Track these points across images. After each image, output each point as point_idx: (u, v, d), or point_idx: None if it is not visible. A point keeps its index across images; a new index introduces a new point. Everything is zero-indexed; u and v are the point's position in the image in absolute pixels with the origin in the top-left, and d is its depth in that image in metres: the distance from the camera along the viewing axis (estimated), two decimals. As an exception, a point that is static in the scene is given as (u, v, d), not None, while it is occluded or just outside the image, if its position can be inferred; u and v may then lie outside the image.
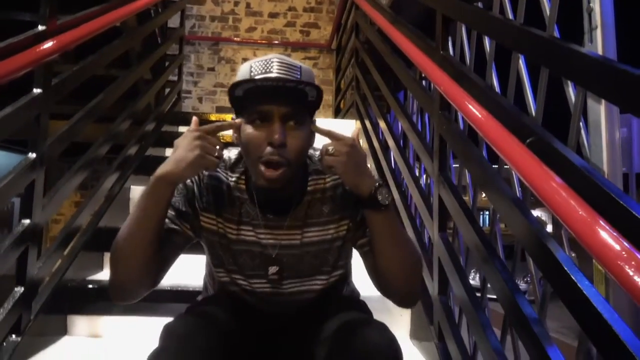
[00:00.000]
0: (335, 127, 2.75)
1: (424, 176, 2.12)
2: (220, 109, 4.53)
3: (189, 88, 4.50)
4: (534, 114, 1.12)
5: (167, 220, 0.91)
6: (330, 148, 0.85)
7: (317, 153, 0.95)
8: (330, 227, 0.96)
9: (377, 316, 1.51)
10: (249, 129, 0.87)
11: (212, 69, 4.63)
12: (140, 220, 0.84)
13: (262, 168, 0.85)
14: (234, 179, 0.96)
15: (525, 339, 0.98)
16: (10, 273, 1.29)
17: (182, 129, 2.94)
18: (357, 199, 0.90)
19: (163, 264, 0.91)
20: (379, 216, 0.87)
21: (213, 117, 3.18)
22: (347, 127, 3.14)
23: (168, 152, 2.68)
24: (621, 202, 0.69)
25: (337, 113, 3.98)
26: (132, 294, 0.90)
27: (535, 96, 1.14)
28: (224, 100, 4.62)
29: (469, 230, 1.25)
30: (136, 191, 2.13)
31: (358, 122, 2.98)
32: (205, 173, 0.96)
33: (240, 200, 0.95)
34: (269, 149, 0.85)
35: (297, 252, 0.96)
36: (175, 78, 3.24)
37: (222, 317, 0.91)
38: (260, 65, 0.88)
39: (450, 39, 1.72)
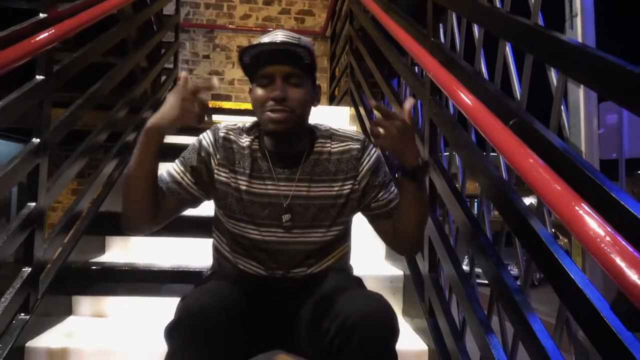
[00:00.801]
0: (329, 113, 2.81)
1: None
2: (215, 96, 4.54)
3: (184, 76, 4.50)
4: (519, 97, 1.18)
5: (175, 174, 1.09)
6: (382, 123, 0.97)
7: (324, 126, 1.16)
8: (334, 185, 1.11)
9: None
10: (257, 90, 1.05)
11: (207, 57, 4.64)
12: (137, 164, 1.01)
13: (269, 114, 1.02)
14: (248, 140, 1.11)
15: (508, 310, 1.05)
16: (8, 260, 1.33)
17: (178, 116, 2.97)
18: (365, 167, 1.11)
19: (166, 211, 1.08)
20: (413, 185, 1.02)
21: (209, 104, 3.21)
22: (342, 114, 3.18)
23: (166, 138, 2.71)
24: (596, 180, 0.75)
25: (332, 100, 4.01)
26: (136, 226, 1.07)
27: (520, 80, 1.19)
28: (219, 87, 4.64)
29: (457, 210, 1.31)
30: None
31: (352, 108, 3.03)
32: (221, 134, 1.12)
33: (253, 157, 1.10)
34: (271, 102, 1.02)
35: (304, 203, 1.09)
36: (171, 65, 3.26)
37: (233, 289, 0.98)
38: (265, 36, 1.08)
39: (441, 26, 1.77)
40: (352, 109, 3.03)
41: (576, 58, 0.82)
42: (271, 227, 1.09)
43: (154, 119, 0.98)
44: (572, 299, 0.80)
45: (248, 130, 1.14)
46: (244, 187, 1.09)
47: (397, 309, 1.67)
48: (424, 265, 1.50)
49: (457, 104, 1.11)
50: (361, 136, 1.17)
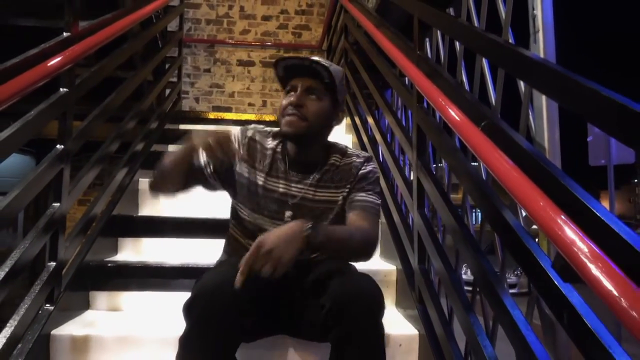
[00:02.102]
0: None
1: (408, 166, 2.31)
2: (216, 108, 4.71)
3: (186, 89, 4.67)
4: (494, 102, 1.33)
5: (201, 161, 1.25)
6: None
7: (341, 145, 1.36)
8: (337, 192, 1.28)
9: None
10: (283, 99, 1.27)
11: (208, 70, 4.81)
12: (172, 163, 1.23)
13: (284, 118, 1.23)
14: (273, 144, 1.32)
15: (488, 296, 1.16)
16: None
17: (182, 126, 3.12)
18: (359, 175, 1.29)
19: (188, 183, 1.29)
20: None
21: (211, 116, 3.37)
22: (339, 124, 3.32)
23: (170, 148, 2.85)
24: (553, 173, 0.88)
25: (329, 111, 4.16)
26: (162, 194, 1.36)
27: (495, 88, 1.34)
28: (220, 100, 4.81)
29: (443, 208, 1.44)
30: (144, 183, 2.31)
31: (348, 118, 3.17)
32: (248, 134, 1.33)
33: (274, 158, 1.30)
34: (289, 108, 1.22)
35: (308, 205, 1.26)
36: (175, 79, 3.41)
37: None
38: (292, 55, 1.33)
39: (428, 40, 1.93)
40: (348, 118, 3.18)
41: (536, 71, 0.95)
42: (276, 220, 1.25)
43: (197, 142, 1.13)
44: (538, 277, 0.92)
45: (274, 135, 1.35)
46: (260, 182, 1.28)
47: (391, 300, 1.80)
48: (413, 259, 1.63)
49: (438, 110, 1.26)
50: (367, 154, 1.37)
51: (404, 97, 1.87)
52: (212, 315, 1.01)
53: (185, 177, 1.25)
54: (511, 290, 1.26)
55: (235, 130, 1.32)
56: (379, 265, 1.94)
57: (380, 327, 1.07)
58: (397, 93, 2.21)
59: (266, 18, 4.91)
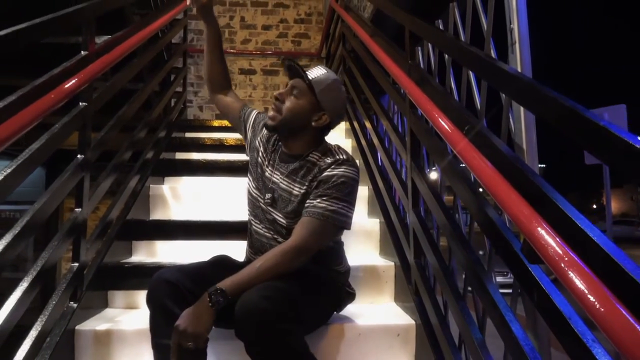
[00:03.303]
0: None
1: (405, 168, 2.43)
2: (219, 116, 4.83)
3: (189, 98, 4.81)
4: (479, 107, 1.45)
5: (246, 107, 1.73)
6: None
7: (331, 145, 1.50)
8: (298, 186, 1.43)
9: (364, 284, 1.85)
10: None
11: (210, 79, 4.94)
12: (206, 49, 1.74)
13: (268, 112, 1.48)
14: (274, 138, 1.58)
15: (478, 289, 1.26)
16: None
17: (188, 134, 3.25)
18: (321, 177, 1.39)
19: (230, 101, 1.74)
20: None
21: (215, 124, 3.49)
22: (338, 129, 3.44)
23: (178, 155, 2.98)
24: (525, 173, 1.00)
25: (329, 116, 4.29)
26: (211, 86, 1.77)
27: (480, 94, 1.46)
28: (223, 107, 4.92)
29: (434, 206, 1.56)
30: (155, 189, 2.43)
31: (347, 122, 3.30)
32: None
33: (275, 146, 1.56)
34: (274, 99, 1.46)
35: (278, 192, 1.46)
36: (180, 89, 3.54)
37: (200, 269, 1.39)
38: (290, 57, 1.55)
39: (420, 48, 2.05)
40: (347, 123, 3.30)
41: (510, 83, 1.07)
42: (259, 200, 1.52)
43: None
44: (513, 262, 1.04)
45: None
46: (260, 161, 1.56)
47: (390, 294, 1.91)
48: (410, 254, 1.75)
49: (427, 115, 1.38)
50: (343, 157, 1.42)
51: (398, 103, 2.00)
52: (163, 302, 1.25)
53: (220, 58, 1.72)
54: (507, 290, 1.35)
55: (265, 114, 1.65)
56: (378, 261, 2.05)
57: (268, 332, 1.11)
58: (392, 99, 2.34)
59: (266, 27, 5.05)
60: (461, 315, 1.35)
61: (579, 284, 0.68)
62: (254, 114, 1.69)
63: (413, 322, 1.65)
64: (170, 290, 1.27)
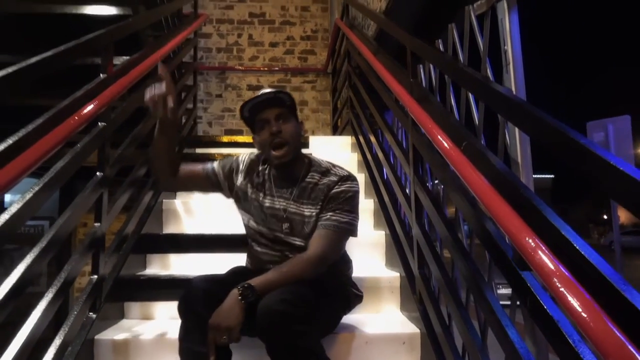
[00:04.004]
0: (333, 142, 3.24)
1: (409, 182, 2.49)
2: (228, 132, 4.95)
3: (199, 114, 4.93)
4: (477, 122, 1.52)
5: (215, 165, 1.65)
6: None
7: (325, 162, 1.57)
8: (311, 208, 1.49)
9: (371, 294, 1.91)
10: (259, 134, 1.49)
11: (219, 96, 5.07)
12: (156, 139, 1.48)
13: (273, 152, 1.43)
14: (263, 167, 1.61)
15: (479, 299, 1.31)
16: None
17: (199, 150, 3.35)
18: (330, 194, 1.48)
19: (185, 181, 1.63)
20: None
21: (225, 139, 3.59)
22: (344, 143, 3.54)
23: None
24: (516, 185, 1.07)
25: (335, 130, 4.39)
26: (160, 178, 1.60)
27: (478, 110, 1.53)
28: (231, 123, 5.05)
29: (436, 218, 1.62)
30: (168, 204, 2.52)
31: (353, 137, 3.38)
32: (252, 157, 1.64)
33: (264, 179, 1.58)
34: (271, 138, 1.45)
35: (295, 217, 1.50)
36: (191, 106, 3.66)
37: (224, 278, 1.43)
38: (256, 95, 1.49)
39: (422, 66, 2.14)
40: (353, 137, 3.38)
41: (504, 103, 1.14)
42: (275, 231, 1.52)
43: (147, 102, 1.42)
44: (511, 275, 1.09)
45: (264, 161, 1.62)
46: (253, 197, 1.57)
47: (395, 304, 1.97)
48: (414, 264, 1.81)
49: (426, 132, 1.45)
50: (345, 173, 1.54)
51: (400, 118, 2.07)
52: (198, 310, 1.28)
53: (173, 158, 1.55)
54: (508, 302, 1.40)
55: (241, 156, 1.67)
56: (384, 272, 2.11)
57: (287, 333, 1.19)
58: (395, 114, 2.41)
59: (273, 44, 5.18)
60: (464, 323, 1.41)
61: (564, 290, 0.75)
62: (218, 167, 1.65)
63: (418, 330, 1.71)
64: (202, 298, 1.32)
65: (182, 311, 1.35)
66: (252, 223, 1.59)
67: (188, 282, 1.40)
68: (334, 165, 1.57)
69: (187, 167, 1.63)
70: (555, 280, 0.73)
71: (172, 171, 1.56)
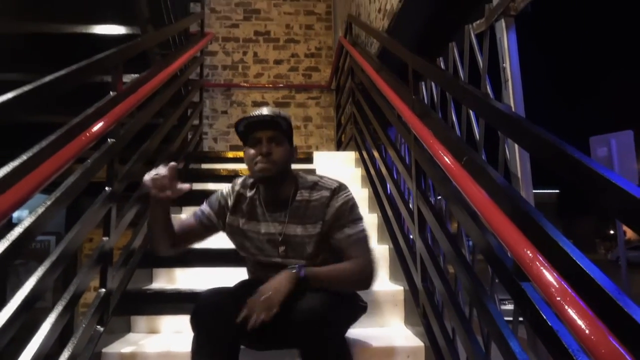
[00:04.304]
0: (337, 157, 3.28)
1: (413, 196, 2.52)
2: (233, 147, 5.01)
3: (205, 130, 4.99)
4: (477, 137, 1.55)
5: (198, 211, 1.61)
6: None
7: (309, 177, 1.53)
8: (311, 226, 1.47)
9: (375, 308, 1.92)
10: (249, 150, 1.47)
11: (225, 112, 5.14)
12: (152, 222, 1.51)
13: (256, 166, 1.44)
14: (252, 192, 1.56)
15: (481, 312, 1.33)
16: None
17: (204, 165, 3.39)
18: (331, 211, 1.45)
19: (185, 238, 1.61)
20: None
21: (230, 155, 3.64)
22: (348, 158, 3.58)
23: (195, 186, 3.12)
24: (515, 199, 1.10)
25: (339, 145, 4.43)
26: (159, 251, 1.57)
27: (478, 125, 1.57)
28: (236, 139, 5.09)
29: (438, 231, 1.65)
30: (173, 219, 2.54)
31: (356, 152, 3.42)
32: (236, 188, 1.59)
33: (253, 205, 1.54)
34: (259, 157, 1.43)
35: (292, 239, 1.48)
36: (197, 122, 3.71)
37: (238, 291, 1.39)
38: (255, 111, 1.48)
39: (424, 83, 2.18)
40: (357, 153, 3.42)
41: (502, 119, 1.18)
42: (271, 256, 1.51)
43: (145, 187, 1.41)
44: (507, 281, 1.12)
45: (251, 185, 1.58)
46: (246, 227, 1.54)
47: (400, 317, 1.98)
48: (417, 278, 1.82)
49: (427, 147, 1.49)
50: (335, 184, 1.51)
51: (403, 133, 2.11)
52: (209, 324, 1.28)
53: (169, 229, 1.53)
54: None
55: (225, 188, 1.62)
56: (388, 286, 2.13)
57: (325, 335, 1.23)
58: (397, 130, 2.45)
59: (278, 62, 5.26)
60: (467, 337, 1.42)
61: (561, 300, 0.77)
62: (208, 209, 1.62)
63: (422, 344, 1.72)
64: (212, 312, 1.33)
65: (193, 325, 1.35)
66: (248, 255, 1.58)
67: (198, 297, 1.40)
68: (320, 177, 1.55)
69: (181, 226, 1.60)
70: (553, 290, 0.76)
71: (170, 241, 1.56)
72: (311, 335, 1.22)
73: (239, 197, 1.58)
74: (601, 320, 0.70)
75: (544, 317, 0.89)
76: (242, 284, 1.58)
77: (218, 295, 1.39)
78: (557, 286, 0.75)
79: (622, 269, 4.93)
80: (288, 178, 1.51)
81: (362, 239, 1.46)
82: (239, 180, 1.62)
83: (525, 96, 1.39)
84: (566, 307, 0.72)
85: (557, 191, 35.48)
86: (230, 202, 1.58)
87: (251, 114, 1.47)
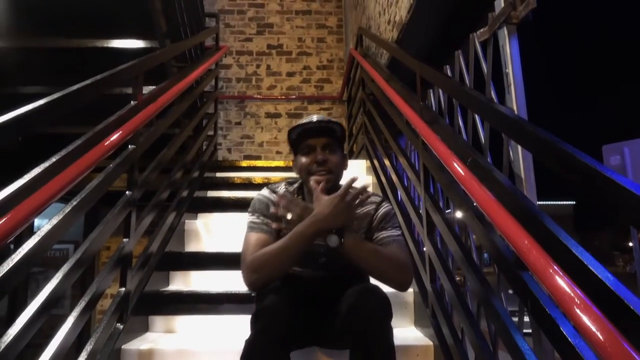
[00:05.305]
0: (349, 166, 3.29)
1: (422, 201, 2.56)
2: (247, 157, 5.10)
3: (219, 141, 5.09)
4: (483, 140, 1.60)
5: (263, 226, 1.43)
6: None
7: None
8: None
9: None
10: (301, 159, 1.44)
11: (238, 123, 5.25)
12: (294, 253, 1.31)
13: (312, 177, 1.37)
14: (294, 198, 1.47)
15: (488, 311, 1.36)
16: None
17: (219, 174, 3.48)
18: (375, 220, 1.46)
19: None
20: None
21: (244, 164, 3.72)
22: (359, 166, 3.64)
23: (210, 193, 3.20)
24: (515, 194, 1.14)
25: (351, 155, 4.49)
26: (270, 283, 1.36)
27: (484, 129, 1.62)
28: (250, 150, 5.20)
29: (448, 235, 1.69)
30: (189, 224, 2.63)
31: (368, 161, 3.48)
32: (279, 192, 1.51)
33: None
34: (314, 166, 1.40)
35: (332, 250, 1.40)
36: (212, 132, 3.81)
37: (290, 293, 1.34)
38: (305, 119, 1.45)
39: (432, 90, 2.24)
40: (368, 161, 3.48)
41: (507, 123, 1.23)
42: (310, 266, 1.48)
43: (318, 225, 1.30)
44: (508, 271, 1.16)
45: (297, 192, 1.53)
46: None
47: (409, 319, 2.02)
48: (426, 278, 1.87)
49: (435, 151, 1.54)
50: (378, 198, 1.54)
51: (412, 139, 2.17)
52: (271, 323, 1.22)
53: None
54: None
55: (263, 194, 1.51)
56: (398, 289, 2.16)
57: (387, 329, 1.27)
58: (407, 138, 2.51)
59: (290, 74, 5.37)
60: (475, 336, 1.45)
61: (560, 281, 0.81)
62: (264, 219, 1.47)
63: (431, 343, 1.75)
64: (274, 313, 1.26)
65: (253, 323, 1.26)
66: None
67: (260, 300, 1.31)
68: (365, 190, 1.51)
69: (267, 249, 1.36)
70: (551, 272, 0.80)
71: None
72: (372, 329, 1.22)
73: (274, 199, 1.49)
74: (589, 298, 0.74)
75: (543, 306, 0.93)
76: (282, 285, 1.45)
77: (277, 298, 1.30)
78: (552, 270, 0.80)
79: (638, 279, 4.88)
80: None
81: (403, 243, 1.46)
82: (279, 188, 1.54)
83: (527, 101, 1.44)
84: (562, 290, 0.76)
85: (573, 203, 34.98)
86: (270, 205, 1.48)
87: (304, 121, 1.44)
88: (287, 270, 1.37)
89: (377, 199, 1.54)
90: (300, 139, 1.45)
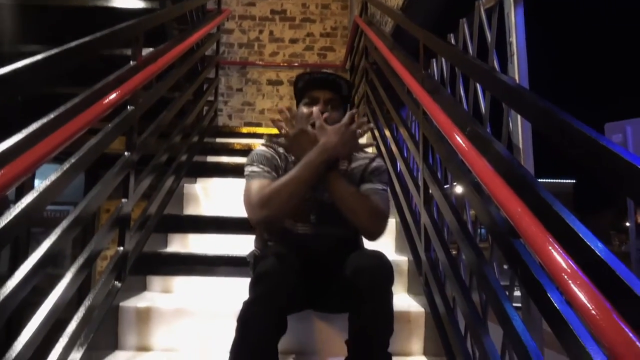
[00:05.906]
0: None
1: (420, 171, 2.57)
2: (247, 124, 5.08)
3: (220, 107, 5.06)
4: (483, 111, 1.59)
5: (266, 174, 1.42)
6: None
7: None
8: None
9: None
10: (302, 108, 1.45)
11: (240, 90, 5.20)
12: (304, 184, 1.30)
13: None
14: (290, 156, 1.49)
15: (481, 281, 1.38)
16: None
17: (219, 140, 3.47)
18: (367, 171, 1.48)
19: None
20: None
21: (244, 130, 3.71)
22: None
23: (209, 158, 3.21)
24: (512, 164, 1.14)
25: (352, 125, 4.47)
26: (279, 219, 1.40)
27: (485, 100, 1.60)
28: (251, 116, 5.18)
29: (441, 200, 1.70)
30: (188, 188, 2.65)
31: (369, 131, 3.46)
32: (275, 148, 1.51)
33: (288, 162, 1.50)
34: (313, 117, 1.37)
35: (327, 208, 1.44)
36: (212, 98, 3.78)
37: (288, 257, 1.35)
38: (315, 70, 1.46)
39: (435, 60, 2.21)
40: (369, 132, 3.46)
41: (507, 92, 1.21)
42: (299, 222, 1.51)
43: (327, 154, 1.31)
44: (499, 238, 1.17)
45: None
46: None
47: (403, 286, 2.05)
48: (421, 247, 1.89)
49: (435, 120, 1.53)
50: (373, 155, 1.56)
51: (413, 109, 2.15)
52: (272, 289, 1.22)
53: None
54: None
55: (260, 148, 1.51)
56: (393, 257, 2.19)
57: (388, 294, 1.30)
58: (408, 107, 2.49)
59: (293, 41, 5.29)
60: (466, 305, 1.48)
61: (551, 250, 0.82)
62: (269, 170, 1.46)
63: (423, 310, 1.79)
64: (275, 278, 1.25)
65: (252, 287, 1.28)
66: None
67: (261, 264, 1.31)
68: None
69: (275, 183, 1.34)
70: (543, 239, 0.81)
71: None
72: (377, 291, 1.25)
73: (269, 153, 1.49)
74: (581, 268, 0.75)
75: (533, 273, 0.94)
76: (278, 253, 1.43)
77: (278, 264, 1.29)
78: (544, 237, 0.81)
79: (632, 256, 4.94)
80: None
81: (385, 197, 1.47)
82: (269, 139, 1.49)
83: (530, 72, 1.42)
84: (552, 256, 0.77)
85: (573, 181, 35.00)
86: (279, 162, 1.49)
87: (313, 71, 1.44)
88: (296, 203, 1.32)
89: (372, 155, 1.55)
90: (305, 89, 1.44)
